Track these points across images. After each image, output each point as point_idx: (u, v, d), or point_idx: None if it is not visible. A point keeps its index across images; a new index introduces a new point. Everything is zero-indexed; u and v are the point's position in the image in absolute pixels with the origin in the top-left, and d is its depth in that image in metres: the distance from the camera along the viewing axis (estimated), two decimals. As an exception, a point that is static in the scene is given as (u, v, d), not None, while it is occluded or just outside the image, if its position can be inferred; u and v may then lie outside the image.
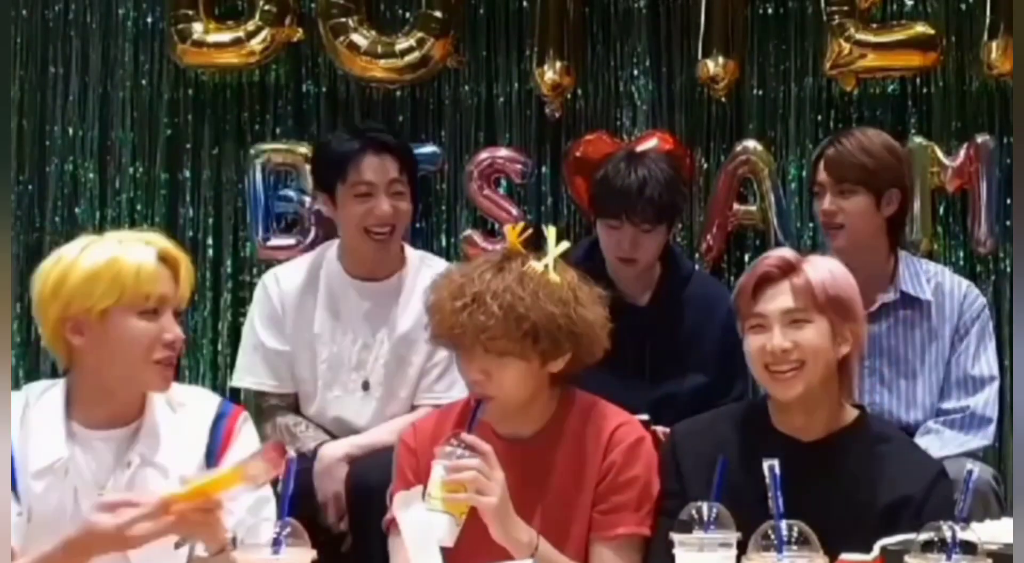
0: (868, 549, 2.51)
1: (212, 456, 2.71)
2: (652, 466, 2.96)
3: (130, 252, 2.64)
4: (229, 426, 2.76)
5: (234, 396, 3.88)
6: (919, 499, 2.80)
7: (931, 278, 3.74)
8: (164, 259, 2.67)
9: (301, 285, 3.81)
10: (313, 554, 2.36)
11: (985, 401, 3.68)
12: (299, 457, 2.65)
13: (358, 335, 3.77)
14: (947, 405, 3.68)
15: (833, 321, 2.85)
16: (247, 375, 3.84)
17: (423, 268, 3.76)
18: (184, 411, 2.76)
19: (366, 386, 3.76)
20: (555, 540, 2.90)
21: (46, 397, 2.74)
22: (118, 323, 2.64)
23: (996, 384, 3.72)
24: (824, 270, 2.89)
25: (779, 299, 2.86)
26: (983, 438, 3.66)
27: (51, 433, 2.69)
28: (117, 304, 2.62)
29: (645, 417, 3.17)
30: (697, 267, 4.24)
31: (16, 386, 4.50)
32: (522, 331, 2.83)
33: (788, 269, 2.87)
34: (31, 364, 4.72)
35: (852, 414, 2.94)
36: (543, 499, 2.94)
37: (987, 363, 3.71)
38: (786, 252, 2.97)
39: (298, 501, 2.41)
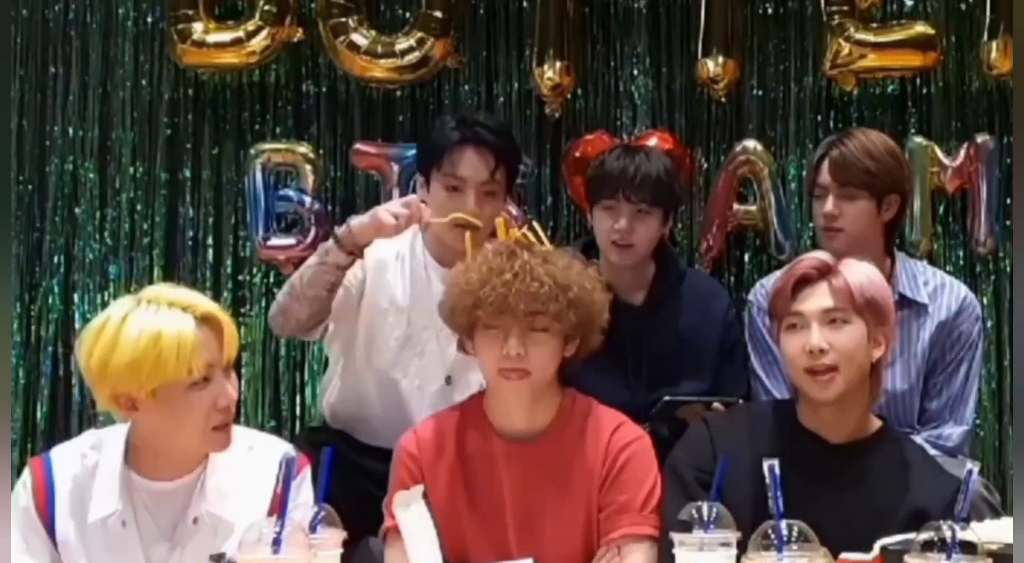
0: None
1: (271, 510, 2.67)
2: (653, 466, 2.97)
3: (169, 326, 2.58)
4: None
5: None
6: (937, 516, 2.80)
7: (929, 281, 3.73)
8: (205, 322, 2.62)
9: (385, 253, 3.64)
10: (311, 555, 2.36)
11: (960, 436, 3.67)
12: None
13: (435, 322, 3.49)
14: (925, 430, 3.66)
15: (869, 323, 2.90)
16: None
17: None
18: (252, 457, 2.73)
19: (448, 381, 3.60)
20: (565, 540, 2.91)
21: (109, 445, 2.74)
22: (170, 399, 2.60)
23: (971, 423, 3.72)
24: (861, 273, 2.93)
25: (818, 299, 2.90)
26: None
27: (109, 485, 2.69)
28: (163, 384, 2.58)
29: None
30: (693, 265, 4.25)
31: (16, 386, 4.61)
32: (566, 300, 2.89)
33: (826, 270, 2.92)
34: (31, 364, 4.72)
35: (876, 423, 2.97)
36: (551, 499, 2.94)
37: (971, 392, 3.70)
38: (822, 254, 3.01)
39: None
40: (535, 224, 3.15)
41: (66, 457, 2.75)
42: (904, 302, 3.67)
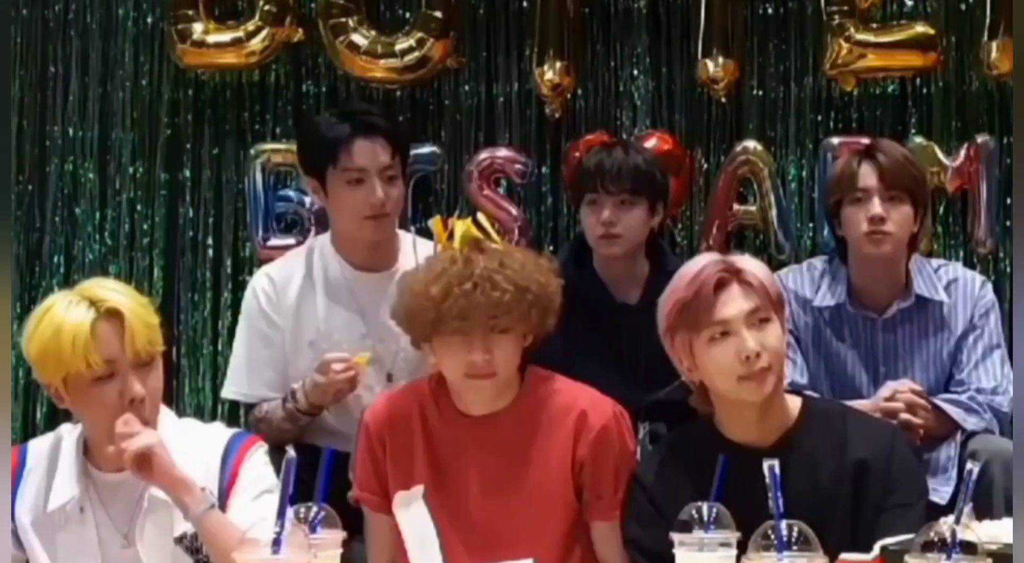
0: (846, 529, 2.58)
1: (223, 491, 2.73)
2: (626, 445, 3.01)
3: (69, 320, 2.66)
4: (238, 458, 2.77)
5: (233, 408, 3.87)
6: (883, 465, 2.85)
7: (943, 276, 3.76)
8: (109, 317, 2.67)
9: (298, 283, 3.72)
10: (311, 555, 2.36)
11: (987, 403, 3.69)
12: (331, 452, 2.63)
13: (371, 329, 3.64)
14: (953, 387, 3.69)
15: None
16: (237, 386, 3.75)
17: (420, 249, 3.70)
18: (194, 444, 2.77)
19: (389, 378, 3.63)
20: (536, 513, 2.93)
21: (69, 436, 2.81)
22: (79, 391, 2.69)
23: (1007, 390, 3.70)
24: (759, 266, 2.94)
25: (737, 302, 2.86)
26: (979, 421, 3.65)
27: (67, 474, 2.75)
28: (68, 377, 2.67)
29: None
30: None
31: (15, 386, 4.60)
32: (527, 302, 2.90)
33: (734, 272, 2.88)
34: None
35: (796, 405, 2.95)
36: (519, 475, 2.95)
37: (994, 366, 3.71)
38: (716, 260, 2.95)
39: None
40: (480, 217, 3.08)
41: (38, 447, 2.83)
42: (921, 302, 3.69)
